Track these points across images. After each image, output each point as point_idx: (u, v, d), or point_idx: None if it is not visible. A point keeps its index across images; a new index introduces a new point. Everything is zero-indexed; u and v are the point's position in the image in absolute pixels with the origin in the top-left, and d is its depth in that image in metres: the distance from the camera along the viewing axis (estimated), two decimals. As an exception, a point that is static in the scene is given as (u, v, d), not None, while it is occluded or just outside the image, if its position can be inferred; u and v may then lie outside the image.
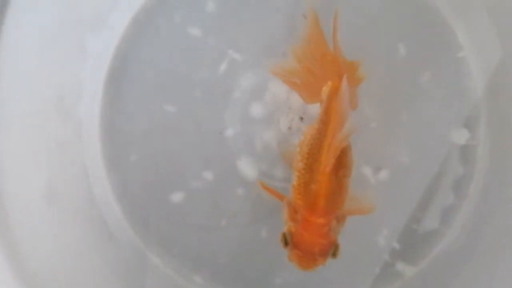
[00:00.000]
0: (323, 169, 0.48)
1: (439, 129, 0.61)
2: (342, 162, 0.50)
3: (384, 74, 0.61)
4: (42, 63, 0.50)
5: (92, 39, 0.57)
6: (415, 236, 0.60)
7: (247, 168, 0.61)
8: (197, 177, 0.60)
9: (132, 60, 0.61)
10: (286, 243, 0.49)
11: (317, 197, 0.49)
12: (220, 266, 0.60)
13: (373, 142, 0.61)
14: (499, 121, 0.60)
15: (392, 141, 0.61)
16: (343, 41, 0.60)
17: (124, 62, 0.60)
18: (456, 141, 0.60)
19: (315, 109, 0.60)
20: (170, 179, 0.60)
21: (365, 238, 0.60)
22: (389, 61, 0.61)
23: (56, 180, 0.51)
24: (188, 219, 0.60)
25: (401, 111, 0.61)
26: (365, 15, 0.61)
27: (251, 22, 0.61)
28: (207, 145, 0.61)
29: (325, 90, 0.53)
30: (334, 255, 0.50)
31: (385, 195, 0.60)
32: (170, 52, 0.61)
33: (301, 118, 0.61)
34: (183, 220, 0.60)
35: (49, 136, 0.51)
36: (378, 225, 0.60)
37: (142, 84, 0.61)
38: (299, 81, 0.55)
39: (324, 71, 0.53)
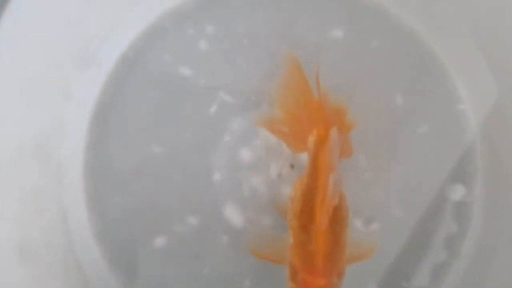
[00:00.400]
0: (318, 228, 0.46)
1: (434, 184, 0.58)
2: (337, 217, 0.48)
3: (380, 124, 0.59)
4: (22, 109, 0.48)
5: (78, 78, 0.55)
6: (405, 294, 0.58)
7: (234, 215, 0.59)
8: (181, 221, 0.58)
9: (119, 99, 0.59)
10: None
11: (315, 257, 0.46)
12: (201, 316, 0.58)
13: (366, 193, 0.59)
14: (495, 178, 0.57)
15: (385, 193, 0.58)
16: (340, 89, 0.58)
17: (111, 100, 0.58)
18: (451, 197, 0.58)
19: (306, 156, 0.59)
20: (154, 223, 0.58)
21: (353, 293, 0.59)
22: (386, 110, 0.59)
23: (31, 230, 0.49)
24: (170, 266, 0.58)
25: (396, 163, 0.59)
26: (363, 63, 0.59)
27: (243, 65, 0.59)
28: (193, 189, 0.59)
29: (311, 139, 0.50)
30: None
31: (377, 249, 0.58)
32: (159, 91, 0.59)
33: (292, 166, 0.59)
34: (165, 265, 0.58)
35: (24, 184, 0.49)
36: (366, 280, 0.58)
37: (128, 124, 0.59)
38: (286, 130, 0.53)
39: (310, 119, 0.51)
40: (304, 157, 0.58)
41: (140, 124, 0.59)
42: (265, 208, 0.59)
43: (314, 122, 0.51)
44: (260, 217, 0.59)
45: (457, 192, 0.58)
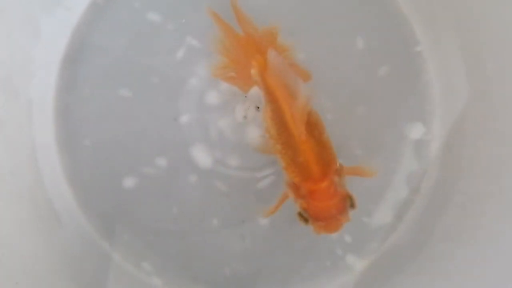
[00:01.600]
0: (298, 139, 0.49)
1: (394, 123, 0.61)
2: (311, 123, 0.50)
3: (342, 66, 0.61)
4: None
5: (45, 18, 0.56)
6: (367, 230, 0.60)
7: (201, 156, 0.60)
8: (150, 163, 0.60)
9: (90, 44, 0.60)
10: (305, 220, 0.50)
11: (308, 166, 0.49)
12: (169, 254, 0.60)
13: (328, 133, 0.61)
14: (453, 116, 0.59)
15: (347, 132, 0.60)
16: (301, 32, 0.61)
17: (81, 45, 0.60)
18: (411, 136, 0.60)
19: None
20: (123, 164, 0.60)
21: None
22: (347, 53, 0.61)
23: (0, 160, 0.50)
24: (139, 206, 0.60)
25: (357, 104, 0.61)
26: (324, 7, 0.61)
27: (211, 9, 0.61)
28: (162, 131, 0.60)
29: (253, 71, 0.52)
30: (352, 206, 0.50)
31: (338, 187, 0.60)
32: (129, 37, 0.61)
33: (257, 108, 0.61)
34: (134, 206, 0.60)
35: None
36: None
37: (98, 68, 0.60)
38: (233, 74, 0.55)
39: (246, 55, 0.53)
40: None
41: (109, 68, 0.60)
42: (232, 149, 0.60)
43: (250, 56, 0.53)
44: (227, 158, 0.60)
45: (417, 131, 0.60)
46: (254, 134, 0.61)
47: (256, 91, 0.60)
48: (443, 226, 0.57)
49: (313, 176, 0.49)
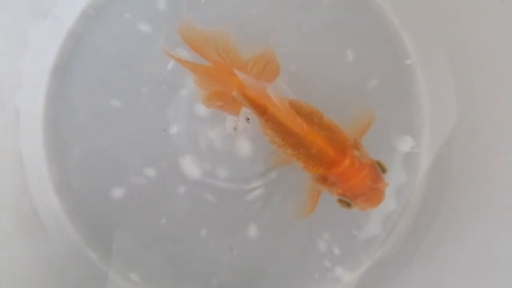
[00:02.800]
0: (302, 132, 0.49)
1: (383, 136, 0.61)
2: (307, 113, 0.51)
3: (331, 79, 0.61)
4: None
5: (33, 29, 0.56)
6: (356, 242, 0.60)
7: (190, 166, 0.60)
8: (139, 173, 0.60)
9: (80, 53, 0.60)
10: (348, 204, 0.50)
11: (324, 151, 0.49)
12: (157, 264, 0.59)
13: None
14: (442, 130, 0.60)
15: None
16: (291, 44, 0.61)
17: (71, 54, 0.60)
18: (400, 148, 0.61)
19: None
20: (112, 174, 0.60)
21: (305, 241, 0.60)
22: (337, 65, 0.61)
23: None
24: (127, 216, 0.60)
25: (346, 116, 0.60)
26: (315, 20, 0.61)
27: (201, 22, 0.61)
28: (151, 141, 0.60)
29: (235, 94, 0.52)
30: (383, 170, 0.50)
31: (327, 199, 0.60)
32: (119, 47, 0.61)
33: (247, 119, 0.61)
34: (122, 216, 0.59)
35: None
36: (319, 228, 0.60)
37: (88, 78, 0.60)
38: (220, 102, 0.54)
39: (221, 81, 0.53)
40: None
41: (99, 78, 0.60)
42: (221, 160, 0.60)
43: (224, 80, 0.52)
44: (216, 169, 0.60)
45: (406, 144, 0.60)
46: (244, 146, 0.61)
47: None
48: (431, 239, 0.57)
49: (333, 159, 0.49)
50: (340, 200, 0.50)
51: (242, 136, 0.61)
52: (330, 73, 0.61)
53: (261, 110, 0.50)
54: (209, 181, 0.60)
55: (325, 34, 0.61)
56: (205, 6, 0.62)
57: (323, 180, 0.51)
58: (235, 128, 0.61)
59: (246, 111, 0.60)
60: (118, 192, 0.60)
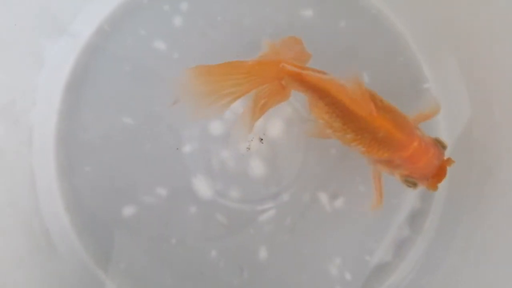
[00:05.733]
0: (370, 117, 0.47)
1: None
2: (367, 98, 0.48)
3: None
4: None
5: (49, 47, 0.56)
6: (368, 268, 0.59)
7: (202, 186, 0.60)
8: (150, 192, 0.59)
9: (94, 70, 0.60)
10: (414, 184, 0.50)
11: (392, 136, 0.48)
12: (166, 285, 0.59)
13: (332, 169, 0.60)
14: (459, 155, 0.59)
15: (350, 168, 0.60)
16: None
17: (85, 71, 0.60)
18: (415, 174, 0.60)
19: (276, 131, 0.60)
20: (123, 192, 0.59)
21: (316, 266, 0.59)
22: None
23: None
24: (138, 235, 0.59)
25: (362, 140, 0.60)
26: (332, 43, 0.60)
27: (217, 40, 0.61)
28: (163, 160, 0.60)
29: (286, 81, 0.49)
30: (444, 147, 0.50)
31: (340, 223, 0.59)
32: (134, 64, 0.60)
33: (261, 139, 0.60)
34: (132, 235, 0.59)
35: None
36: (331, 253, 0.59)
37: (102, 95, 0.60)
38: (264, 100, 0.51)
39: (270, 80, 0.50)
40: (273, 132, 0.60)
41: (113, 95, 0.60)
42: (233, 181, 0.60)
43: (275, 77, 0.50)
44: (228, 190, 0.60)
45: (421, 169, 0.60)
46: (257, 166, 0.60)
47: (260, 122, 0.60)
48: (446, 268, 0.56)
49: (402, 143, 0.48)
50: (406, 181, 0.50)
51: (255, 157, 0.60)
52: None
53: (321, 94, 0.48)
54: (221, 201, 0.59)
55: (341, 57, 0.61)
56: (221, 23, 0.62)
57: (387, 163, 0.50)
58: (249, 148, 0.60)
59: (260, 130, 0.60)
60: (129, 211, 0.59)
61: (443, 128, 0.60)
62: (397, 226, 0.59)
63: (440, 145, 0.50)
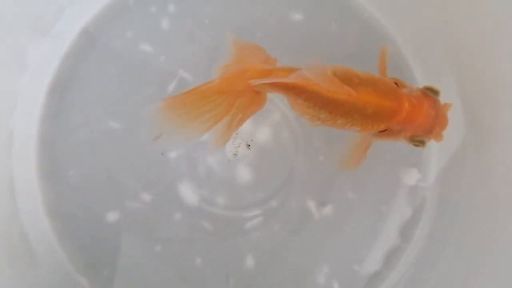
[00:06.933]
0: (351, 98, 0.45)
1: (389, 167, 0.59)
2: (344, 76, 0.47)
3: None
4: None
5: (33, 48, 0.55)
6: (356, 277, 0.58)
7: (188, 193, 0.58)
8: (135, 197, 0.58)
9: (78, 72, 0.59)
10: (421, 142, 0.49)
11: (381, 108, 0.46)
12: (150, 292, 0.58)
13: (320, 176, 0.59)
14: (449, 164, 0.58)
15: (339, 175, 0.59)
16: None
17: (69, 73, 0.59)
18: (406, 181, 0.59)
19: (263, 136, 0.59)
20: (107, 198, 0.58)
21: (304, 274, 0.58)
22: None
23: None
24: (121, 241, 0.58)
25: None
26: (322, 46, 0.59)
27: (204, 44, 0.60)
28: (149, 165, 0.59)
29: (258, 87, 0.47)
30: (437, 93, 0.49)
31: (328, 231, 0.58)
32: (120, 67, 0.59)
33: (248, 145, 0.59)
34: (116, 242, 0.58)
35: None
36: (319, 262, 0.58)
37: (87, 98, 0.59)
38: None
39: (233, 94, 0.48)
40: (261, 138, 0.59)
41: (98, 99, 0.59)
42: (220, 187, 0.59)
43: (245, 87, 0.47)
44: (214, 196, 0.59)
45: (412, 177, 0.58)
46: (244, 173, 0.59)
47: (248, 128, 0.59)
48: (435, 277, 0.55)
49: (393, 110, 0.47)
50: (413, 141, 0.49)
51: (242, 163, 0.59)
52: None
53: (297, 91, 0.46)
54: (207, 208, 0.58)
55: (331, 61, 0.59)
56: (209, 26, 0.60)
57: (388, 133, 0.49)
58: (235, 154, 0.59)
59: (248, 136, 0.59)
60: (112, 216, 0.58)
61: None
62: (386, 234, 0.58)
63: (431, 93, 0.48)
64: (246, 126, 0.58)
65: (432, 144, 0.58)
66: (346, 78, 0.46)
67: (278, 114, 0.59)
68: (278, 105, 0.59)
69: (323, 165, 0.59)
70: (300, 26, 0.60)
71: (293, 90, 0.46)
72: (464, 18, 0.53)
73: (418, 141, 0.49)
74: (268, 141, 0.59)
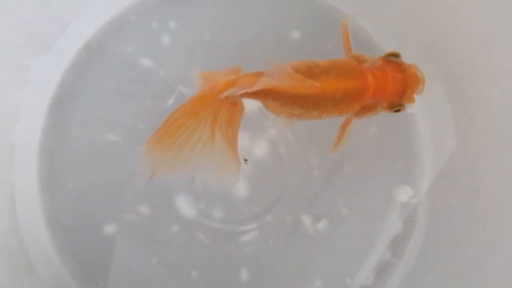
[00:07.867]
0: (316, 89, 0.46)
1: (381, 184, 0.60)
2: (304, 70, 0.48)
3: (331, 125, 0.60)
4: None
5: (35, 64, 0.56)
6: (349, 291, 0.59)
7: (185, 206, 0.59)
8: (132, 210, 0.59)
9: (79, 86, 0.60)
10: (401, 106, 0.50)
11: (349, 89, 0.47)
12: (146, 304, 0.59)
13: (314, 191, 0.60)
14: (442, 181, 0.59)
15: (334, 191, 0.60)
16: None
17: (70, 87, 0.60)
18: (398, 198, 0.60)
19: (260, 151, 0.60)
20: (106, 210, 0.59)
21: (297, 288, 0.59)
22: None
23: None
24: (118, 254, 0.59)
25: (345, 163, 0.60)
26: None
27: (204, 59, 0.61)
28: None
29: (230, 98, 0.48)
30: (397, 56, 0.50)
31: (322, 245, 0.59)
32: (120, 81, 0.60)
33: (245, 160, 0.60)
34: (113, 254, 0.58)
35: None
36: (312, 275, 0.59)
37: (87, 111, 0.60)
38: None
39: (209, 110, 0.49)
40: (259, 153, 0.60)
41: (98, 112, 0.60)
42: (216, 201, 0.60)
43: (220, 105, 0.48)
44: (211, 209, 0.60)
45: (404, 193, 0.60)
46: (240, 187, 0.60)
47: (246, 143, 0.60)
48: (426, 294, 0.56)
49: (360, 88, 0.48)
50: (391, 108, 0.50)
51: (239, 177, 0.60)
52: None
53: (263, 95, 0.48)
54: (203, 221, 0.59)
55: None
56: (209, 42, 0.62)
57: (364, 110, 0.50)
58: (233, 169, 0.60)
59: (245, 150, 0.60)
60: (110, 228, 0.59)
61: (428, 152, 0.60)
62: (379, 250, 0.59)
63: (393, 58, 0.49)
64: (244, 141, 0.60)
65: (425, 162, 0.60)
66: (309, 71, 0.48)
67: (274, 130, 0.61)
68: (274, 122, 0.61)
69: (318, 181, 0.60)
70: (297, 44, 0.61)
71: (261, 94, 0.48)
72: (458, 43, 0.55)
73: (396, 107, 0.50)
74: (265, 157, 0.60)
